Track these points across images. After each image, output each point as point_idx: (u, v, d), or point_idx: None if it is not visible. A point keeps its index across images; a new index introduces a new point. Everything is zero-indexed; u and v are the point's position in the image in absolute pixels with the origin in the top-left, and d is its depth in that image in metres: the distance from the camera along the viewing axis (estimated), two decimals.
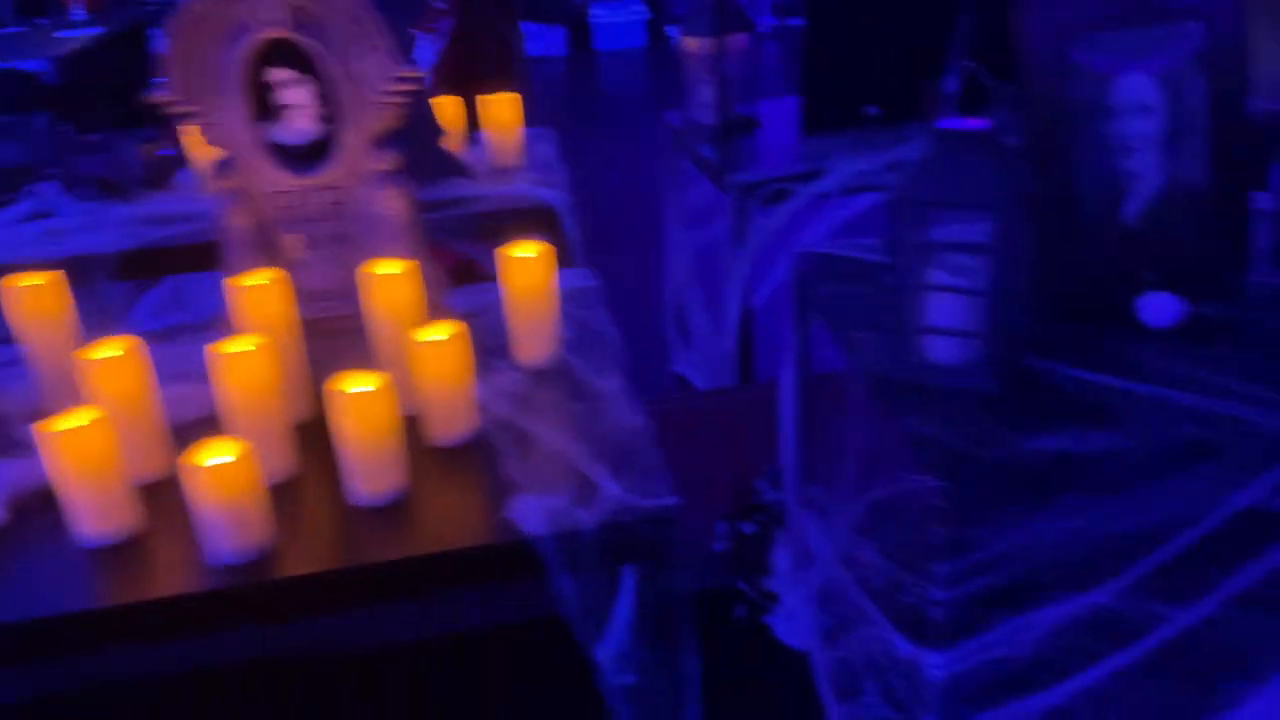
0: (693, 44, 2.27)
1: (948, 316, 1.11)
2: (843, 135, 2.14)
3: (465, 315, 1.33)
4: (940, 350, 1.13)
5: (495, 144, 2.12)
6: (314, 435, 1.10)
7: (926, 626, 1.08)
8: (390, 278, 1.12)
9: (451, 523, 1.00)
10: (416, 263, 1.15)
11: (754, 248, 1.97)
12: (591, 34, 8.29)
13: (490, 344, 1.29)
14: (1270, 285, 1.28)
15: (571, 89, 7.09)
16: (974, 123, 1.06)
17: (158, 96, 1.16)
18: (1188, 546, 1.02)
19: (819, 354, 1.49)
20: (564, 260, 1.96)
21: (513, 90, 3.27)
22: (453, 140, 2.17)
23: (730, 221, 1.95)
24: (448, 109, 2.14)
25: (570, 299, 1.40)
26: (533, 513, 0.97)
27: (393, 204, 1.19)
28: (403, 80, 1.15)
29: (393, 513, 1.02)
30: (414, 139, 2.09)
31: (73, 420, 0.96)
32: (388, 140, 1.21)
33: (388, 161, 1.19)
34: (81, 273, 1.28)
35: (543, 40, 7.57)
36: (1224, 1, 1.25)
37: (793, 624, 1.75)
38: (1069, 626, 1.06)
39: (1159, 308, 1.18)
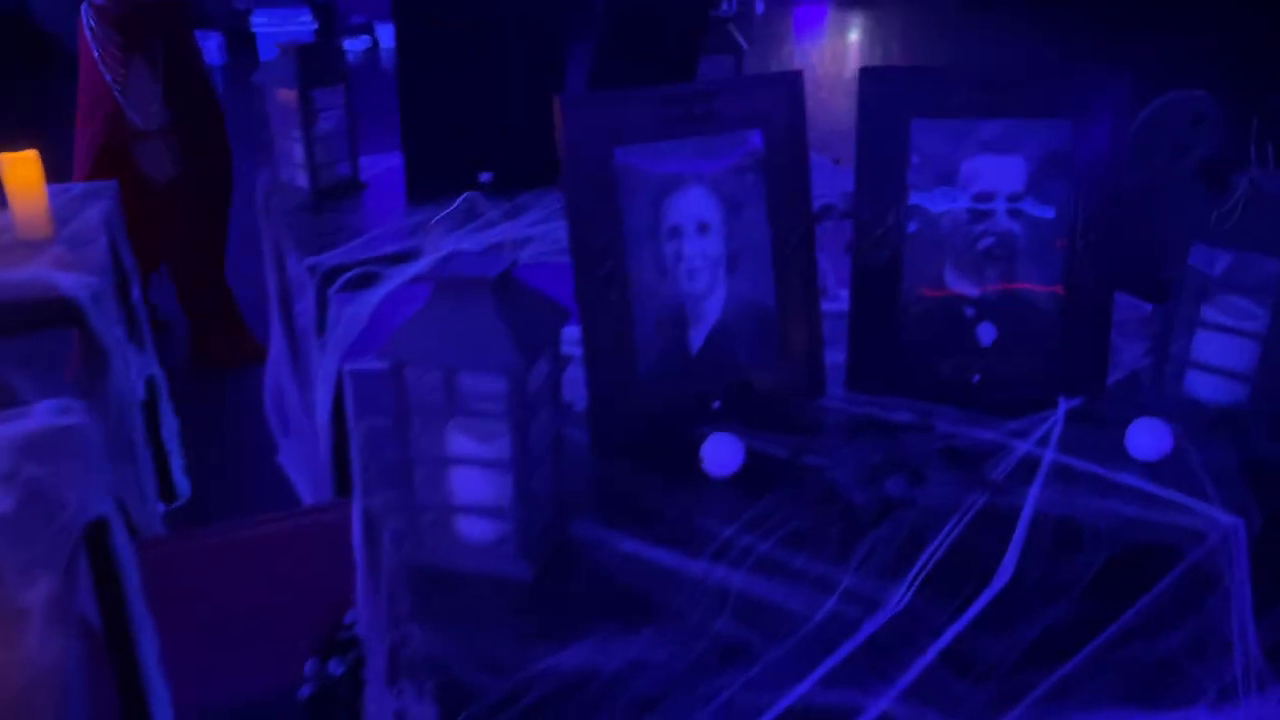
0: (282, 95, 1.98)
1: (472, 490, 0.92)
2: (452, 204, 1.95)
3: None
4: (469, 529, 0.94)
5: (18, 212, 1.73)
6: None
7: None
8: None
9: None
10: None
11: (342, 339, 1.71)
12: (255, 42, 7.69)
13: None
14: (841, 412, 1.20)
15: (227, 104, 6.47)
16: (481, 266, 0.87)
17: None
18: None
19: None
20: (92, 364, 1.63)
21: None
22: None
23: (313, 308, 1.68)
24: None
25: (22, 454, 1.08)
26: None
27: None
28: None
29: None
30: None
31: None
32: None
33: None
34: None
35: None
36: (784, 105, 1.16)
37: None
38: None
39: (720, 455, 1.06)
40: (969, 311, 1.23)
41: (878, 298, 1.22)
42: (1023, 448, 1.12)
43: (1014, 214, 1.20)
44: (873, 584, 0.92)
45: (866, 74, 1.19)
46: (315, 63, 1.96)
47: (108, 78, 2.54)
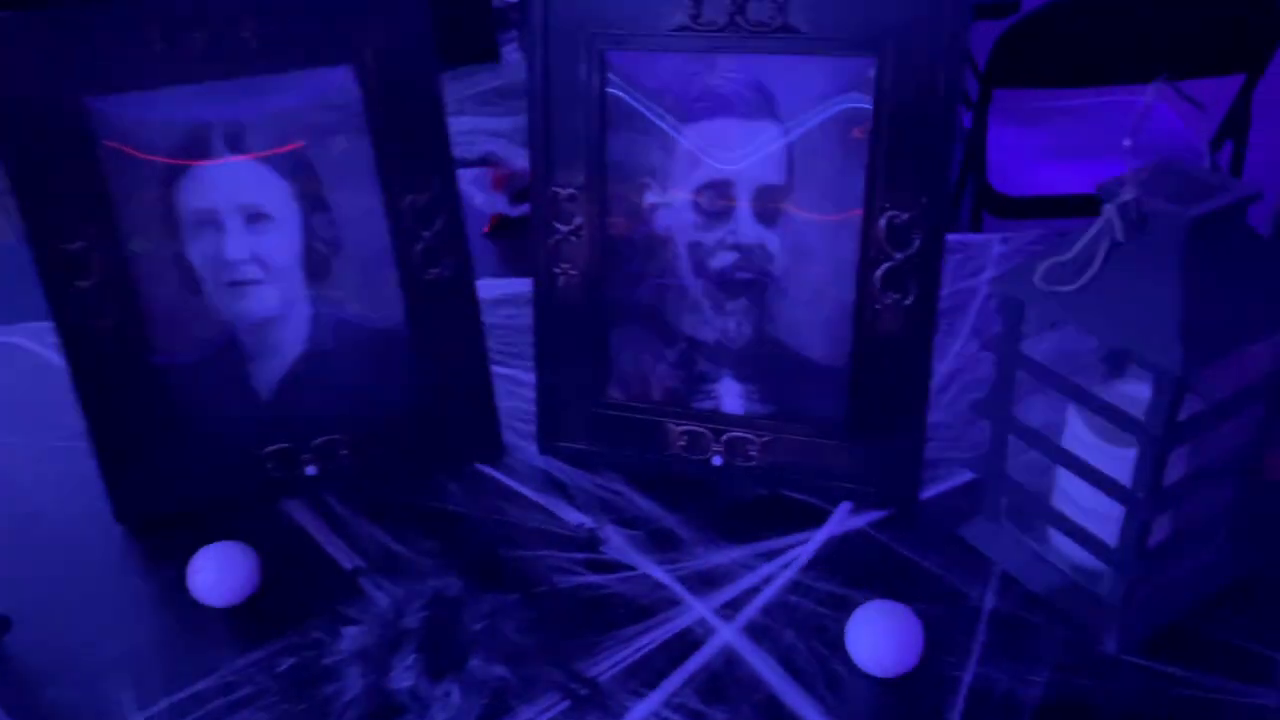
0: None
1: None
2: None
3: None
4: None
5: None
6: None
7: None
8: None
9: None
10: None
11: None
12: None
13: None
14: (506, 495, 0.81)
15: None
16: None
17: None
18: None
19: None
20: None
21: None
22: None
23: None
24: None
25: None
26: None
27: None
28: None
29: None
30: None
31: None
32: None
33: None
34: None
35: None
36: (395, 26, 0.73)
37: None
38: None
39: (207, 576, 0.71)
40: (702, 363, 0.78)
41: (569, 325, 0.80)
42: (698, 611, 0.70)
43: (769, 216, 0.73)
44: None
45: None
46: None
47: None
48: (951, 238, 1.07)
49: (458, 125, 1.32)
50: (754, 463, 0.78)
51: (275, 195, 0.75)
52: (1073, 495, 0.67)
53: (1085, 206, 2.26)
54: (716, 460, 0.79)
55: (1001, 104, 2.10)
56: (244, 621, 0.71)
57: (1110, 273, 0.57)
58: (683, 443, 0.80)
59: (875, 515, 0.76)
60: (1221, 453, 0.64)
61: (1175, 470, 0.63)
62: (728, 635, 0.67)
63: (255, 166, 0.74)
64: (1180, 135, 2.10)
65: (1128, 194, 0.55)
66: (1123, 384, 0.66)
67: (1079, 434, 0.65)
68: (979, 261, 1.03)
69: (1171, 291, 0.54)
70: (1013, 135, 2.10)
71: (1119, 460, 0.62)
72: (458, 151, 0.80)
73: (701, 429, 0.79)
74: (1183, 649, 0.64)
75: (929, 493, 0.78)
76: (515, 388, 0.88)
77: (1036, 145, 2.12)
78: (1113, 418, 0.58)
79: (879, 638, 0.63)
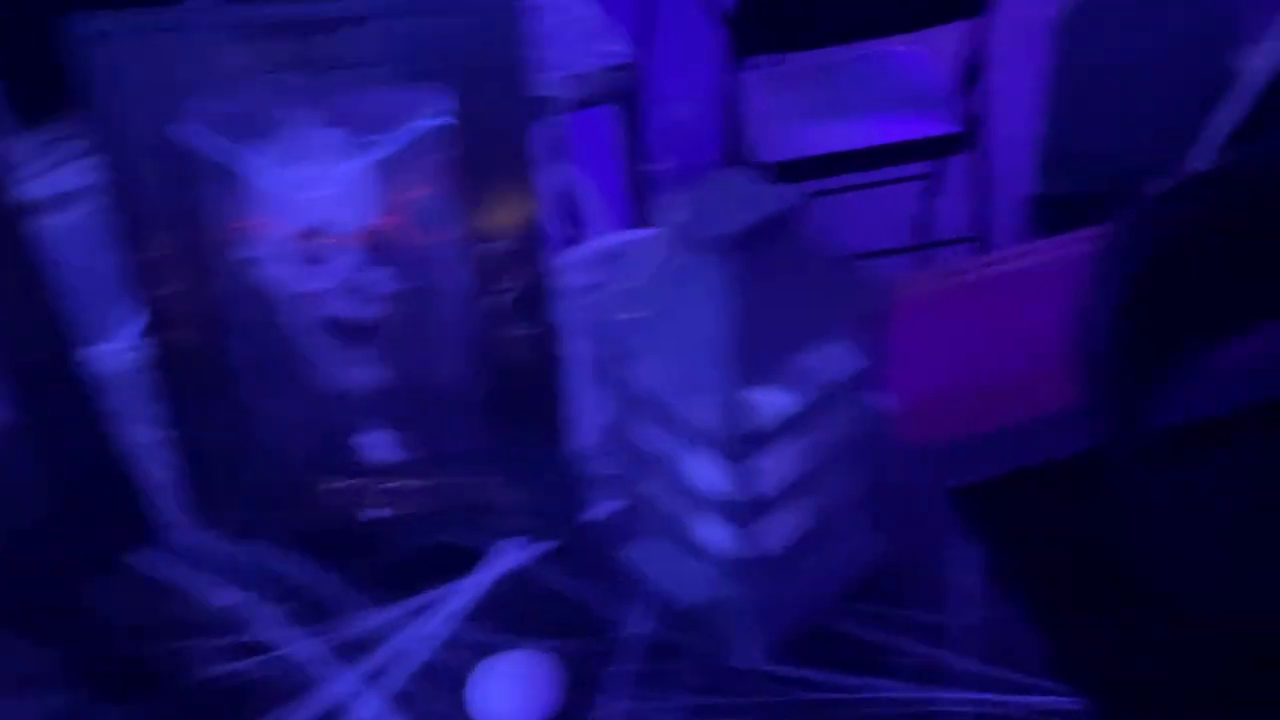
0: None
1: None
2: None
3: None
4: None
5: None
6: None
7: None
8: None
9: None
10: None
11: None
12: None
13: None
14: (153, 594, 0.75)
15: None
16: None
17: None
18: None
19: None
20: None
21: None
22: None
23: None
24: None
25: None
26: None
27: None
28: None
29: None
30: None
31: None
32: None
33: None
34: None
35: None
36: None
37: None
38: None
39: None
40: (341, 417, 0.74)
41: (197, 390, 0.75)
42: (345, 685, 0.66)
43: (375, 254, 0.69)
44: None
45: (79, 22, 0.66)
46: None
47: None
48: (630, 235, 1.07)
49: None
50: (413, 511, 0.75)
51: None
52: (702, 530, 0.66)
53: (846, 163, 2.28)
54: (374, 514, 0.75)
55: (752, 71, 2.10)
56: None
57: (672, 296, 0.55)
58: (337, 501, 0.76)
59: (542, 548, 0.74)
60: (836, 446, 0.64)
61: (791, 471, 0.62)
62: (373, 708, 0.64)
63: None
64: (931, 82, 2.14)
65: (678, 215, 0.54)
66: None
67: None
68: None
69: (722, 312, 0.53)
70: (767, 102, 2.12)
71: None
72: None
73: (354, 484, 0.75)
74: (819, 650, 0.64)
75: (602, 512, 0.76)
76: None
77: (791, 108, 2.14)
78: (696, 437, 0.57)
79: (496, 700, 0.60)
